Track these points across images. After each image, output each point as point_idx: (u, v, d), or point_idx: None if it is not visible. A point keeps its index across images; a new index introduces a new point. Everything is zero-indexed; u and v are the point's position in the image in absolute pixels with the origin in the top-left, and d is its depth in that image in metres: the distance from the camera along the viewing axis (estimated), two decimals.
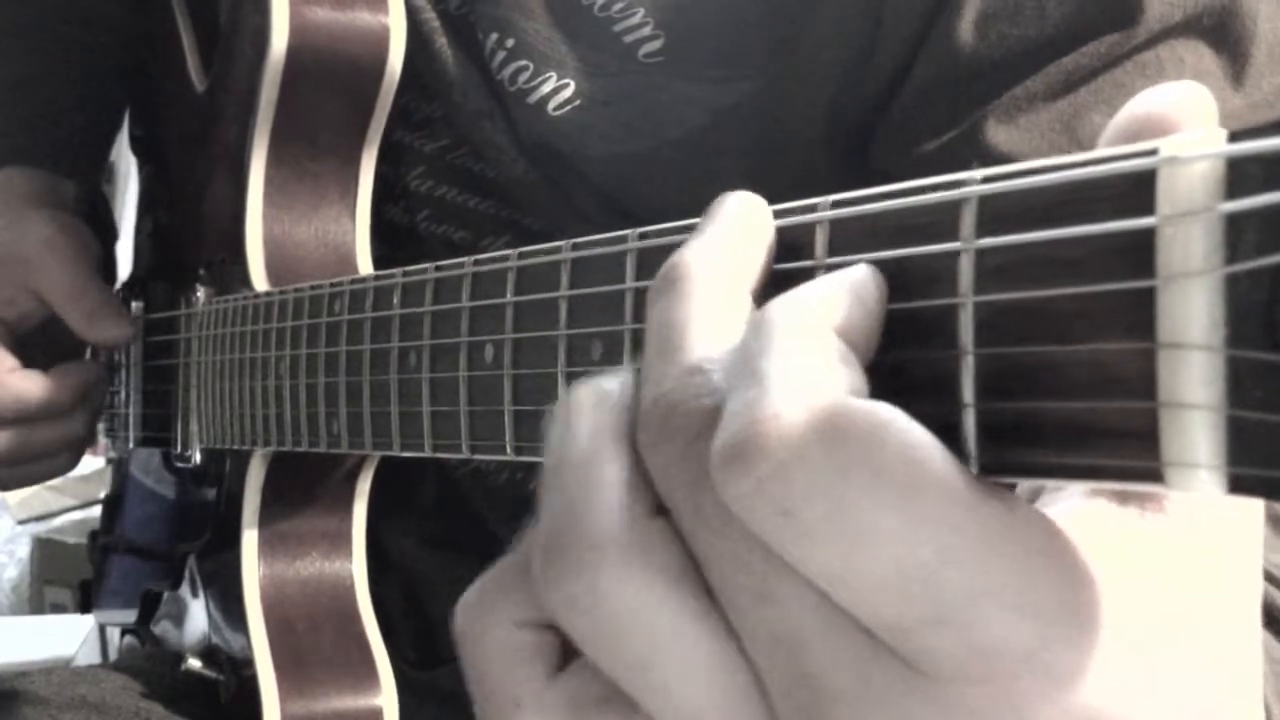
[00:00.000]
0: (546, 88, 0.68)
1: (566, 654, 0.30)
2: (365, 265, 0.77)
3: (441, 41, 0.73)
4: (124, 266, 1.04)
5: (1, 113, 1.00)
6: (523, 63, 0.68)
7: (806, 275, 0.31)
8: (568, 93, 0.67)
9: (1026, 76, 0.57)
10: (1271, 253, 0.22)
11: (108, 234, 1.02)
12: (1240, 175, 0.22)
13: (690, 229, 0.36)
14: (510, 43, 0.69)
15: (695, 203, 0.68)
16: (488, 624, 0.31)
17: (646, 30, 0.65)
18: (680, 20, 0.65)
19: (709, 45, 0.64)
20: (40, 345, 0.91)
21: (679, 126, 0.65)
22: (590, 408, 0.29)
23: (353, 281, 0.60)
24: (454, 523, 0.81)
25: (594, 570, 0.27)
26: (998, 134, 0.57)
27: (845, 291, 0.28)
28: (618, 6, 0.66)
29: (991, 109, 0.57)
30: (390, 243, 0.79)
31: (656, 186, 0.67)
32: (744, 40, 0.63)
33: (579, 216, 0.70)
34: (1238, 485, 0.23)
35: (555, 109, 0.67)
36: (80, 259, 0.90)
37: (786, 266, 0.32)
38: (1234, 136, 0.23)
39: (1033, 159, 0.57)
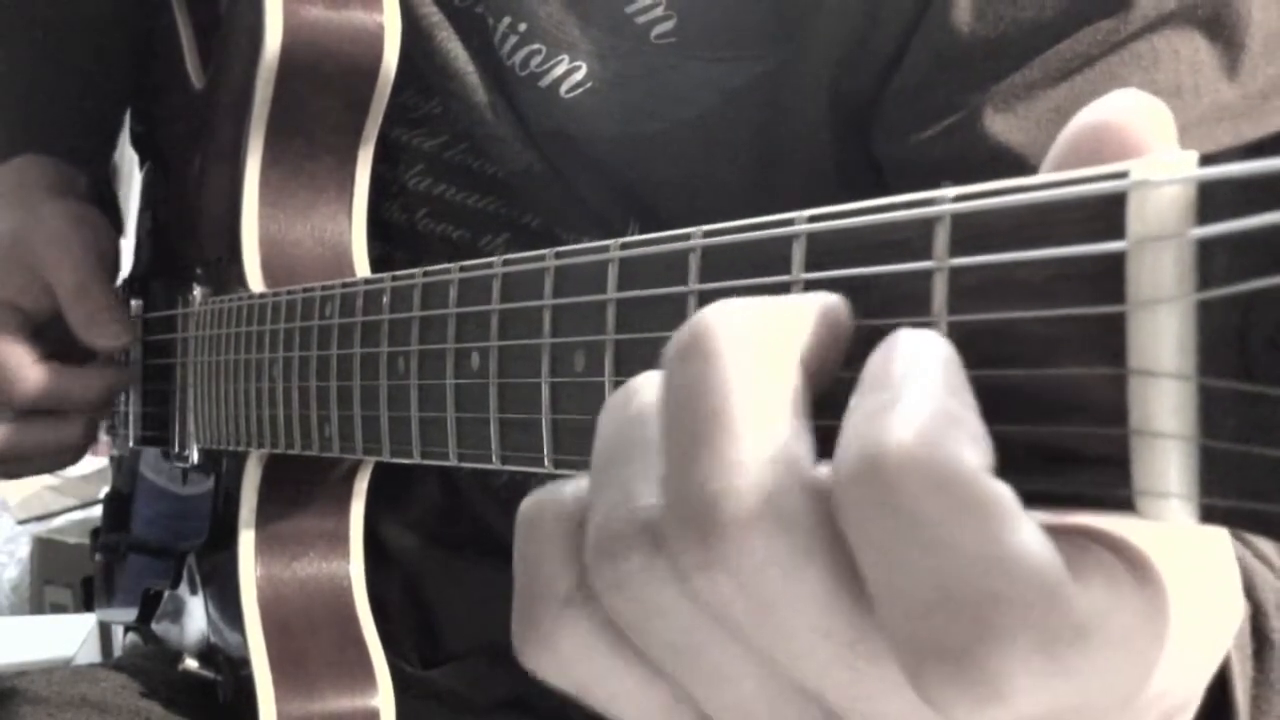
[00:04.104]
0: (559, 71, 0.67)
1: None
2: (362, 264, 0.77)
3: (443, 35, 0.73)
4: (125, 266, 1.03)
5: (12, 103, 1.00)
6: (535, 46, 0.68)
7: (783, 291, 0.30)
8: (580, 75, 0.67)
9: (1024, 60, 0.57)
10: (1243, 279, 0.21)
11: (115, 226, 1.02)
12: (1211, 200, 0.22)
13: (674, 239, 0.36)
14: (522, 27, 0.69)
15: (704, 184, 0.67)
16: (554, 525, 0.30)
17: (659, 11, 0.65)
18: (692, 1, 0.64)
19: (720, 26, 0.64)
20: (60, 335, 0.91)
21: (690, 107, 0.65)
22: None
23: (344, 285, 0.60)
24: (455, 521, 0.80)
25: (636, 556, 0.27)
26: (995, 122, 0.57)
27: (812, 319, 0.27)
28: None
29: (989, 96, 0.57)
30: (389, 241, 0.78)
31: (666, 169, 0.66)
32: (754, 20, 0.63)
33: (582, 209, 0.70)
34: (1210, 515, 0.22)
35: (567, 92, 0.67)
36: (89, 256, 0.89)
37: (762, 281, 0.31)
38: (1205, 160, 0.22)
39: (1030, 149, 0.57)
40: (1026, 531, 0.23)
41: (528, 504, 0.31)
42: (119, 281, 1.00)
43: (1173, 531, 0.26)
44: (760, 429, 0.25)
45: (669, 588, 0.26)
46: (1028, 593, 0.23)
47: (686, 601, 0.26)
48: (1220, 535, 0.28)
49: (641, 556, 0.27)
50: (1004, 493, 0.23)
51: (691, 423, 0.26)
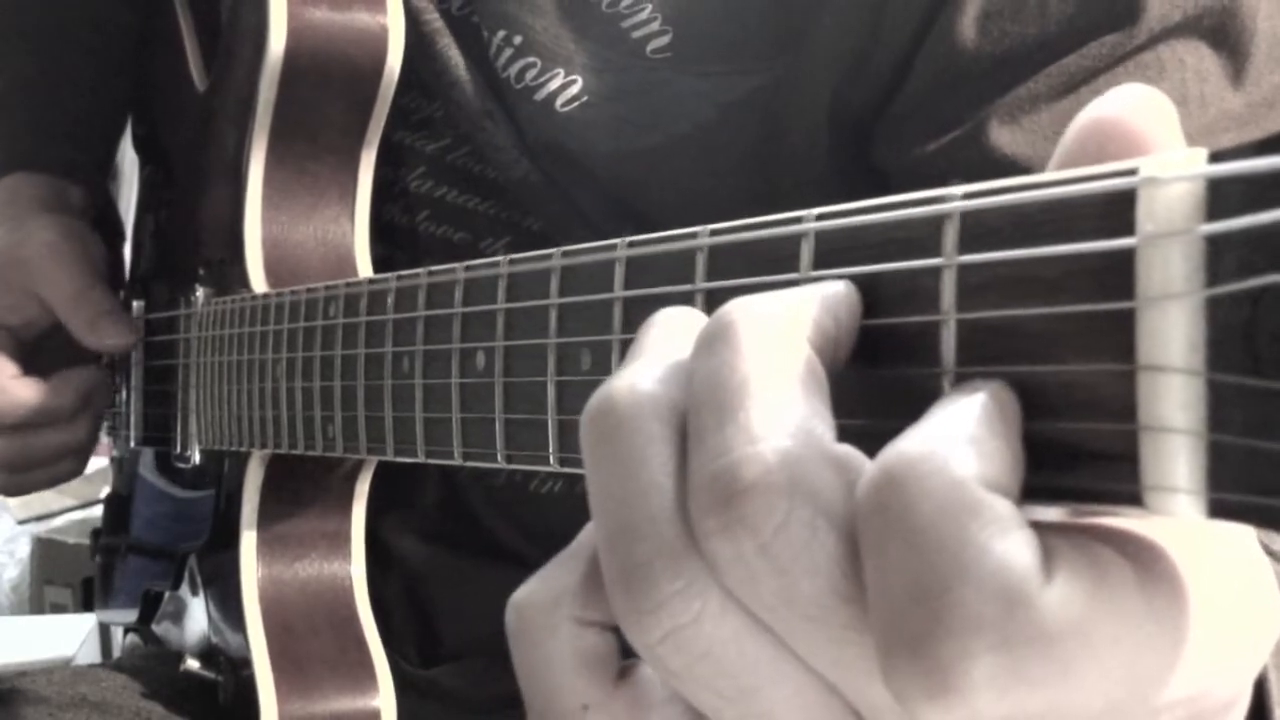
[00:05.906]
0: (554, 84, 0.67)
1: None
2: (365, 266, 0.77)
3: (444, 42, 0.73)
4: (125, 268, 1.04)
5: (6, 117, 1.00)
6: (530, 60, 0.68)
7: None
8: (575, 89, 0.67)
9: (1028, 75, 0.57)
10: (1252, 275, 0.21)
11: (115, 235, 1.02)
12: (1220, 197, 0.22)
13: (681, 238, 0.36)
14: (517, 40, 0.69)
15: (701, 199, 0.67)
16: (550, 625, 0.30)
17: (654, 25, 0.65)
18: (688, 15, 0.65)
19: (716, 40, 0.64)
20: (48, 351, 0.91)
21: (686, 122, 0.65)
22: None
23: (348, 285, 0.60)
24: (455, 521, 0.80)
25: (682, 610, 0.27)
26: (1000, 135, 0.57)
27: (817, 303, 0.28)
28: (626, 2, 0.66)
29: (994, 109, 0.57)
30: (390, 243, 0.79)
31: (663, 183, 0.66)
32: (750, 34, 0.63)
33: (580, 217, 0.70)
34: (1218, 510, 0.22)
35: (563, 106, 0.67)
36: (83, 264, 0.90)
37: (770, 280, 0.31)
38: (1214, 157, 0.22)
39: (1035, 161, 0.57)
40: (1006, 541, 0.23)
41: (511, 612, 0.31)
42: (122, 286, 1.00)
43: (1205, 529, 0.26)
44: (776, 402, 0.26)
45: (705, 597, 0.26)
46: (988, 597, 0.23)
47: (720, 597, 0.26)
48: (1249, 536, 0.28)
49: (672, 566, 0.27)
50: (992, 502, 0.24)
51: (715, 405, 0.26)
